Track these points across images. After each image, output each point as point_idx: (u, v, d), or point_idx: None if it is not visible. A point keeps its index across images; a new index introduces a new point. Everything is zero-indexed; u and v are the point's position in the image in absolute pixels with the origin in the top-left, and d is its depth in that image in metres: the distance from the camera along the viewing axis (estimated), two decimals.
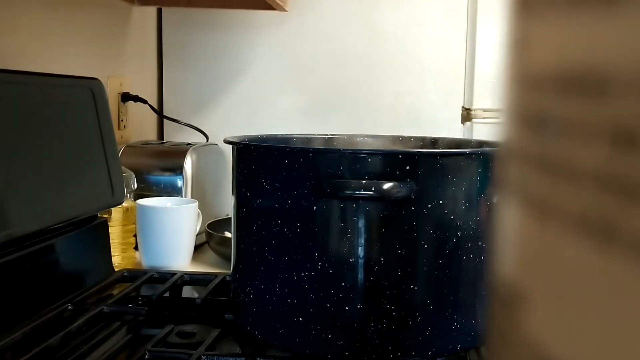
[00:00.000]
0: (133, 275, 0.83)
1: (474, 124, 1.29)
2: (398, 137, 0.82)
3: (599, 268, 0.10)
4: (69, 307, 0.69)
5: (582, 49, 0.10)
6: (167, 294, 0.76)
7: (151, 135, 1.36)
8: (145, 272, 0.83)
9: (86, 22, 1.05)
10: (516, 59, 0.12)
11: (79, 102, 0.79)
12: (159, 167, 1.07)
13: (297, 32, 1.32)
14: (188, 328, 0.68)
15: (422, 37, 1.29)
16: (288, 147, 0.64)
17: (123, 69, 1.20)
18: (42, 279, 0.69)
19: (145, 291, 0.79)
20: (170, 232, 0.91)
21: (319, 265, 0.57)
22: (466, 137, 1.29)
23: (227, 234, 1.03)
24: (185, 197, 1.05)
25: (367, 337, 0.57)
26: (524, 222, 0.12)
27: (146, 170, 1.06)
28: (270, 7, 1.18)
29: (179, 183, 1.06)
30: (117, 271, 0.84)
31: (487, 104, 1.28)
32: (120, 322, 0.70)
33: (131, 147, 1.10)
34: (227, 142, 0.65)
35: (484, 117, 1.28)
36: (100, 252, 0.82)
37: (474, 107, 1.28)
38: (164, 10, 1.36)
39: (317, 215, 0.57)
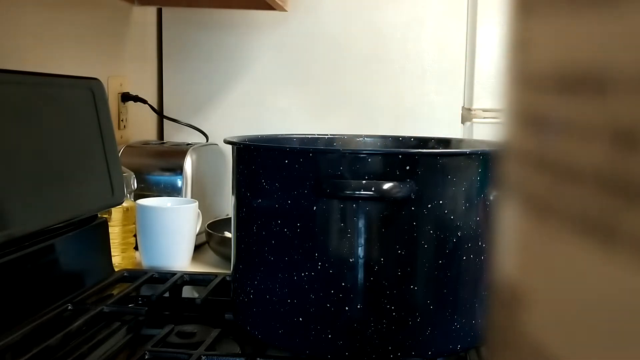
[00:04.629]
0: (133, 275, 0.83)
1: (474, 124, 1.29)
2: (398, 137, 0.82)
3: (598, 268, 0.10)
4: (69, 307, 0.69)
5: (582, 49, 0.10)
6: (167, 294, 0.76)
7: (151, 135, 1.36)
8: (145, 272, 0.83)
9: (86, 22, 1.05)
10: (516, 59, 0.12)
11: (79, 102, 0.79)
12: (159, 167, 1.07)
13: (297, 32, 1.32)
14: (188, 328, 0.68)
15: (422, 36, 1.29)
16: (288, 147, 0.64)
17: (123, 69, 1.20)
18: (42, 279, 0.69)
19: (145, 291, 0.79)
20: (170, 232, 0.91)
21: (319, 265, 0.57)
22: (466, 137, 1.29)
23: (227, 234, 1.03)
24: (185, 197, 1.05)
25: (367, 337, 0.57)
26: (524, 222, 0.12)
27: (146, 170, 1.06)
28: (270, 7, 1.18)
29: (179, 183, 1.06)
30: (117, 271, 0.84)
31: (487, 104, 1.28)
32: (120, 322, 0.70)
33: (131, 147, 1.10)
34: (227, 142, 0.65)
35: (484, 117, 1.28)
36: (100, 252, 0.82)
37: (474, 107, 1.28)
38: (164, 10, 1.36)
39: (317, 215, 0.57)
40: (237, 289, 0.65)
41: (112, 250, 0.85)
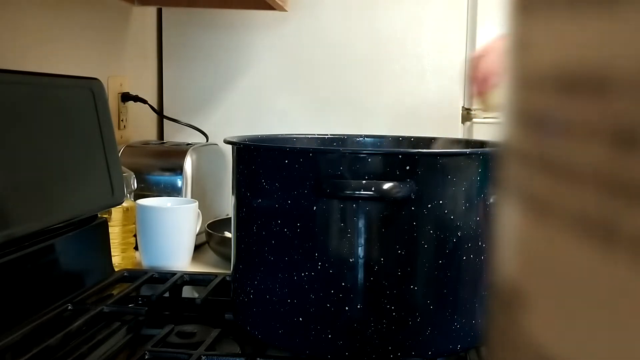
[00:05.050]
0: (133, 275, 0.83)
1: (474, 124, 1.29)
2: (398, 137, 0.82)
3: (598, 268, 0.10)
4: (69, 307, 0.69)
5: (582, 49, 0.10)
6: (167, 294, 0.76)
7: (151, 135, 1.36)
8: (145, 272, 0.83)
9: (86, 22, 1.05)
10: (516, 59, 0.12)
11: (79, 102, 0.79)
12: (159, 167, 1.07)
13: (297, 32, 1.32)
14: (188, 328, 0.68)
15: (422, 37, 1.29)
16: (288, 147, 0.64)
17: (123, 69, 1.20)
18: (42, 279, 0.69)
19: (145, 291, 0.79)
20: (170, 232, 0.91)
21: (319, 265, 0.57)
22: (466, 137, 1.29)
23: (227, 234, 1.03)
24: (185, 197, 1.05)
25: (367, 337, 0.57)
26: (524, 222, 0.12)
27: (146, 170, 1.06)
28: (270, 7, 1.17)
29: (179, 183, 1.06)
30: (117, 271, 0.84)
31: None
32: (120, 322, 0.70)
33: (131, 147, 1.10)
34: (227, 142, 0.65)
35: (484, 117, 1.28)
36: (100, 252, 0.82)
37: (474, 107, 1.28)
38: (164, 10, 1.35)
39: (317, 215, 0.57)
40: (237, 289, 0.65)
41: (112, 250, 0.85)
